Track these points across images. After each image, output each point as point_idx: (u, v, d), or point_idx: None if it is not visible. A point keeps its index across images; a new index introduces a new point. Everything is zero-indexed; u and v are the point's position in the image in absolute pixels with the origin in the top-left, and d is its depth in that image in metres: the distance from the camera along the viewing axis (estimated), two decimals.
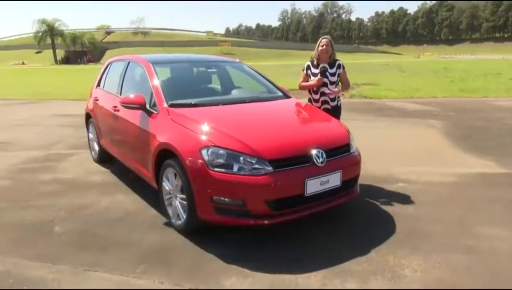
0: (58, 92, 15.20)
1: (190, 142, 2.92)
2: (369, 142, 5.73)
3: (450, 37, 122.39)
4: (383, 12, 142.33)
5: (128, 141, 3.94)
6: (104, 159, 5.07)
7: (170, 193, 3.20)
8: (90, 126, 5.29)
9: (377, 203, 3.70)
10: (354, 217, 3.43)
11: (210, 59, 4.81)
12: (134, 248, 2.90)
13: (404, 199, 3.79)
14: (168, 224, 3.26)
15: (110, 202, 3.82)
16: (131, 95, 3.57)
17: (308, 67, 4.21)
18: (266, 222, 2.76)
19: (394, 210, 3.54)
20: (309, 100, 4.26)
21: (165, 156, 3.18)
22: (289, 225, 3.08)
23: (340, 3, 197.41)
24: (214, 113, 3.36)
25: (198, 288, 2.40)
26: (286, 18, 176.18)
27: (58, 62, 65.25)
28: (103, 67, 5.19)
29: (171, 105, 3.39)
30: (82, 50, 71.51)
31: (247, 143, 2.82)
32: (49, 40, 67.41)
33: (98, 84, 5.10)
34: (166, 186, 3.21)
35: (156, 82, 3.64)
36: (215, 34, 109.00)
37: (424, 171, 4.66)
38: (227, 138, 2.87)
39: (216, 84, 4.42)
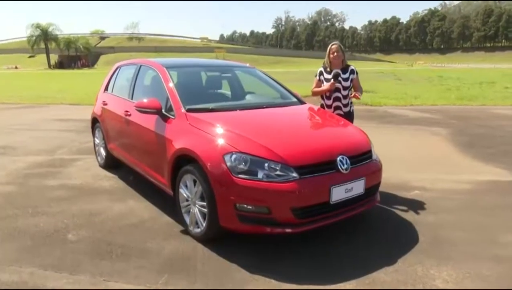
0: (55, 96, 15.01)
1: (212, 148, 2.85)
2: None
3: (442, 46, 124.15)
4: (376, 21, 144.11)
5: (141, 147, 3.85)
6: (111, 164, 4.97)
7: (187, 200, 3.12)
8: (96, 131, 5.18)
9: (396, 211, 3.65)
10: (375, 225, 3.38)
11: (223, 64, 4.77)
12: (153, 257, 2.81)
13: (423, 207, 3.75)
14: (185, 231, 3.17)
15: (122, 209, 3.72)
16: (146, 100, 3.49)
17: (321, 73, 4.18)
18: (291, 230, 2.69)
19: (414, 218, 3.49)
20: (322, 106, 4.22)
21: (183, 162, 3.11)
22: (309, 233, 3.01)
23: (334, 11, 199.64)
24: (234, 119, 3.30)
25: None
26: (280, 26, 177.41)
27: (52, 67, 64.81)
28: (111, 71, 5.11)
29: (189, 110, 3.32)
30: (76, 55, 71.14)
31: (271, 149, 2.76)
32: (42, 45, 66.96)
33: (106, 89, 5.01)
34: (184, 193, 3.13)
35: (172, 86, 3.57)
36: (210, 41, 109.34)
37: (437, 178, 4.63)
38: (250, 144, 2.81)
39: (228, 89, 4.36)
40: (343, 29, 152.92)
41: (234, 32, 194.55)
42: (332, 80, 4.03)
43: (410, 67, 57.45)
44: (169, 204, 3.68)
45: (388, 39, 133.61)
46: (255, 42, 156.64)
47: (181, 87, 3.63)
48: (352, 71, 4.10)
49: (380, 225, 3.37)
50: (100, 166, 5.15)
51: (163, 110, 3.43)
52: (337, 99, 4.11)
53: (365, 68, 44.98)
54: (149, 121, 3.57)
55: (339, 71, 4.05)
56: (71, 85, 21.89)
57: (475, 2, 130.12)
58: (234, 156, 2.73)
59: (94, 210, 3.67)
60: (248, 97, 4.18)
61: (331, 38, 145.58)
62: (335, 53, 4.04)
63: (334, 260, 2.77)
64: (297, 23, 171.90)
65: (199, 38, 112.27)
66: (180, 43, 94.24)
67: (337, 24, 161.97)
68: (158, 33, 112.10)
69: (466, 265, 2.69)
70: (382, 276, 2.56)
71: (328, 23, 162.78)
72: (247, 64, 4.85)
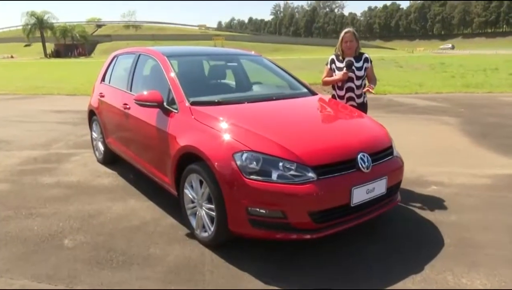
0: (52, 86, 14.67)
1: (221, 146, 2.58)
2: None
3: (443, 32, 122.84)
4: (376, 7, 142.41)
5: (142, 143, 3.59)
6: (109, 160, 4.71)
7: (193, 202, 2.87)
8: (94, 125, 4.91)
9: (416, 210, 3.42)
10: (395, 226, 3.14)
11: (228, 52, 4.46)
12: (158, 264, 2.57)
13: (443, 205, 3.51)
14: (191, 235, 2.93)
15: (123, 209, 3.47)
16: (146, 92, 3.20)
17: (332, 61, 3.90)
18: (308, 236, 2.44)
19: (436, 217, 3.25)
20: (333, 96, 3.94)
21: (188, 160, 2.85)
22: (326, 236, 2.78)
23: None
24: (243, 113, 3.03)
25: None
26: (278, 12, 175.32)
27: (48, 56, 63.97)
28: (108, 60, 4.81)
29: (193, 103, 3.05)
30: (73, 44, 70.22)
31: (286, 147, 2.50)
32: (38, 33, 66.02)
33: (103, 79, 4.72)
34: (189, 193, 2.88)
35: (174, 77, 3.28)
36: (207, 28, 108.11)
37: (453, 172, 4.38)
38: (263, 142, 2.55)
39: (233, 79, 4.07)
40: (342, 15, 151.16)
41: (232, 19, 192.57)
42: (344, 70, 3.75)
43: (411, 54, 56.79)
44: (172, 204, 3.44)
45: (388, 25, 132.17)
46: (253, 30, 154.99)
47: (183, 78, 3.34)
48: (366, 60, 3.81)
49: (400, 226, 3.14)
50: (98, 161, 4.89)
51: (164, 104, 3.15)
52: (350, 89, 3.83)
53: None
54: (150, 116, 3.30)
55: (352, 59, 3.76)
56: (67, 74, 21.47)
57: None
58: (245, 155, 2.47)
59: (92, 211, 3.42)
60: (255, 88, 3.90)
61: (330, 24, 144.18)
62: (348, 42, 3.74)
63: (355, 268, 2.54)
64: (295, 10, 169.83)
65: (197, 26, 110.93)
66: (178, 31, 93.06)
67: (336, 10, 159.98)
68: (155, 20, 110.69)
69: (499, 272, 2.46)
70: (410, 285, 2.33)
71: (327, 9, 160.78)
72: (252, 52, 4.55)
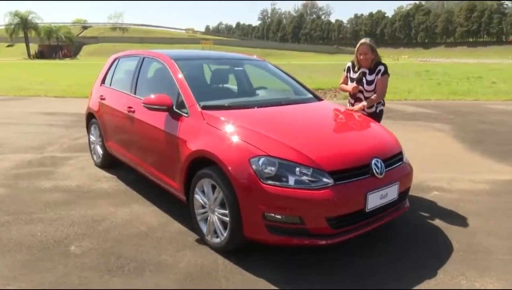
0: (39, 88, 14.35)
1: (236, 151, 2.56)
2: None
3: (426, 41, 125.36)
4: (362, 15, 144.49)
5: (147, 147, 3.52)
6: (108, 163, 4.62)
7: (204, 207, 2.83)
8: (92, 128, 4.81)
9: (422, 215, 3.45)
10: (404, 232, 3.15)
11: (233, 56, 4.45)
12: (170, 271, 2.52)
13: (448, 210, 3.56)
14: (201, 241, 2.89)
15: (127, 214, 3.40)
16: (154, 96, 3.15)
17: (349, 69, 3.92)
18: (326, 241, 2.43)
19: (442, 223, 3.29)
20: (349, 103, 3.98)
21: (199, 164, 2.81)
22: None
23: (320, 4, 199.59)
24: (255, 117, 3.01)
25: None
26: (266, 18, 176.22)
27: (32, 57, 62.72)
28: (108, 63, 4.73)
29: (204, 107, 3.02)
30: (58, 45, 69.01)
31: (302, 152, 2.49)
32: (22, 34, 64.68)
33: (103, 82, 4.64)
34: (200, 199, 2.84)
35: (184, 81, 3.24)
36: (195, 32, 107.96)
37: (452, 178, 4.45)
38: (279, 146, 2.53)
39: (242, 84, 4.05)
40: (329, 22, 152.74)
41: (220, 23, 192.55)
42: (355, 83, 3.77)
43: (396, 61, 57.73)
44: (177, 208, 3.41)
45: (373, 33, 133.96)
46: (241, 34, 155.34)
47: (192, 82, 3.31)
48: (379, 72, 3.75)
49: (409, 232, 3.16)
50: (96, 165, 4.80)
51: (174, 107, 3.11)
52: (359, 100, 3.84)
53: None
54: (158, 119, 3.25)
55: (366, 71, 3.76)
56: (54, 76, 21.05)
57: None
58: (261, 160, 2.45)
59: (96, 216, 3.34)
60: (261, 92, 3.89)
61: (317, 31, 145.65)
62: (362, 56, 3.72)
63: (369, 273, 2.54)
64: (283, 16, 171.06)
65: (185, 30, 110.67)
66: (166, 34, 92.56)
67: (323, 17, 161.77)
68: (143, 23, 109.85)
69: (510, 276, 2.50)
70: None
71: (314, 16, 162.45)
72: (255, 56, 4.54)
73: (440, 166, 5.04)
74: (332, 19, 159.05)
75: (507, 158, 5.36)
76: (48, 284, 2.36)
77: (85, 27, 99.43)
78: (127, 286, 2.35)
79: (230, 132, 2.71)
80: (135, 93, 3.82)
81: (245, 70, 4.21)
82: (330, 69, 30.98)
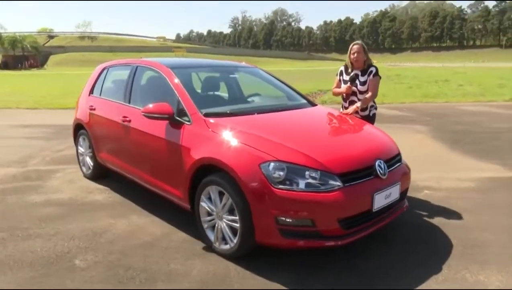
0: (8, 100, 13.76)
1: (246, 157, 2.58)
2: None
3: (393, 46, 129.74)
4: (331, 21, 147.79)
5: (146, 156, 3.48)
6: (99, 175, 4.53)
7: (211, 214, 2.83)
8: (80, 139, 4.70)
9: (418, 214, 3.58)
10: (403, 230, 3.26)
11: (226, 64, 4.47)
12: (183, 280, 2.51)
13: (441, 208, 3.71)
14: (208, 249, 2.88)
15: (127, 225, 3.35)
16: (154, 105, 3.12)
17: (341, 73, 4.03)
18: (337, 243, 2.49)
19: (438, 220, 3.43)
20: (342, 106, 4.09)
21: (204, 172, 2.82)
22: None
23: (290, 11, 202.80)
24: (258, 123, 3.05)
25: None
26: (237, 25, 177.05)
27: None
28: (96, 72, 4.64)
29: (206, 115, 3.03)
30: (23, 55, 66.53)
31: (311, 156, 2.55)
32: None
33: (91, 92, 4.55)
34: (206, 206, 2.84)
35: (183, 89, 3.24)
36: (166, 40, 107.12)
37: (439, 177, 4.64)
38: (287, 151, 2.58)
39: (234, 91, 4.08)
40: (299, 29, 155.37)
41: (191, 31, 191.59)
42: (348, 84, 3.89)
43: None
44: (178, 218, 3.40)
45: (343, 39, 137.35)
46: (212, 42, 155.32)
47: (190, 90, 3.33)
48: (370, 73, 3.90)
49: (407, 231, 3.26)
50: (86, 176, 4.68)
51: (174, 116, 3.10)
52: (352, 102, 3.96)
53: (324, 67, 46.01)
54: (157, 128, 3.22)
55: (358, 73, 3.89)
56: (22, 87, 20.30)
57: (419, 3, 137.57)
58: (272, 165, 2.49)
59: (95, 229, 3.27)
60: (256, 99, 3.93)
61: (288, 38, 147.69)
62: (355, 54, 3.84)
63: (378, 272, 2.62)
64: (254, 23, 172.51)
65: (156, 38, 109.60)
66: (137, 43, 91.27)
67: (293, 24, 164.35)
68: (112, 32, 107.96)
69: (510, 268, 2.63)
70: (434, 286, 2.44)
71: (285, 23, 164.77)
72: (243, 63, 4.58)
73: (426, 166, 5.22)
74: (302, 26, 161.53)
75: (486, 156, 5.64)
76: None
77: (51, 36, 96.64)
78: None
79: (236, 138, 2.73)
80: (129, 103, 3.78)
81: (239, 78, 4.26)
82: (304, 75, 31.56)
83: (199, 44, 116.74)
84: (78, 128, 4.69)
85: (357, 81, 3.85)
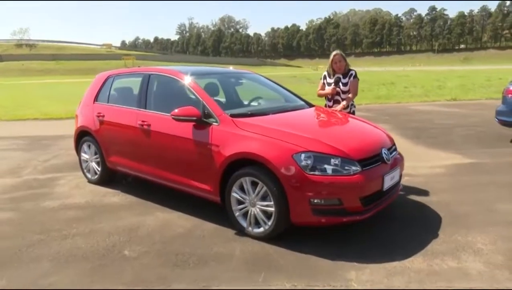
0: None
1: (278, 150, 3.01)
2: None
3: None
4: (278, 28, 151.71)
5: (170, 156, 3.75)
6: (106, 179, 4.70)
7: (243, 203, 3.22)
8: (84, 146, 4.82)
9: (405, 195, 4.19)
10: (397, 209, 3.84)
11: (233, 71, 4.94)
12: (231, 259, 2.86)
13: (422, 190, 4.36)
14: (241, 233, 3.26)
15: (157, 221, 3.61)
16: (179, 109, 3.44)
17: (325, 77, 4.62)
18: (358, 217, 3.00)
19: (423, 199, 4.07)
20: (326, 105, 4.64)
21: (235, 166, 3.20)
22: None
23: (237, 18, 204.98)
24: (279, 121, 3.48)
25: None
26: (184, 32, 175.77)
27: None
28: (98, 81, 4.81)
29: (232, 115, 3.42)
30: None
31: (334, 146, 3.04)
32: None
33: (96, 100, 4.71)
34: (238, 196, 3.22)
35: (206, 94, 3.61)
36: (111, 47, 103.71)
37: (414, 166, 5.33)
38: (314, 143, 3.04)
39: (243, 94, 4.51)
40: (248, 35, 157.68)
41: (137, 38, 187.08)
42: (333, 85, 4.48)
43: (316, 71, 61.87)
44: (200, 212, 3.72)
45: (290, 45, 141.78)
46: (160, 49, 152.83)
47: (212, 95, 3.70)
48: (351, 76, 4.54)
49: (401, 209, 3.86)
50: (91, 182, 4.81)
51: (202, 118, 3.46)
52: (337, 102, 4.55)
53: (277, 73, 47.23)
54: (183, 130, 3.54)
55: (340, 76, 4.49)
56: None
57: (359, 11, 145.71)
58: (303, 155, 2.94)
59: (129, 225, 3.51)
60: (262, 102, 4.36)
61: (237, 44, 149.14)
62: (338, 63, 4.48)
63: (392, 240, 3.15)
64: (201, 30, 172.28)
65: (101, 45, 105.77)
66: (81, 50, 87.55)
67: (241, 30, 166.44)
68: (53, 39, 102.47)
69: (489, 229, 3.29)
70: (437, 247, 3.01)
71: (232, 29, 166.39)
72: (240, 70, 5.03)
73: None
74: (250, 32, 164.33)
75: (445, 147, 6.50)
76: (132, 283, 2.56)
77: None
78: (204, 275, 2.64)
79: (266, 134, 3.15)
80: (145, 108, 4.04)
81: (246, 83, 4.69)
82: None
83: (147, 52, 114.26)
84: (82, 135, 4.81)
85: (340, 84, 4.46)
